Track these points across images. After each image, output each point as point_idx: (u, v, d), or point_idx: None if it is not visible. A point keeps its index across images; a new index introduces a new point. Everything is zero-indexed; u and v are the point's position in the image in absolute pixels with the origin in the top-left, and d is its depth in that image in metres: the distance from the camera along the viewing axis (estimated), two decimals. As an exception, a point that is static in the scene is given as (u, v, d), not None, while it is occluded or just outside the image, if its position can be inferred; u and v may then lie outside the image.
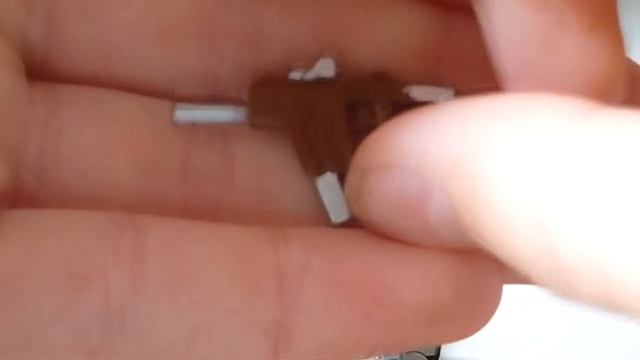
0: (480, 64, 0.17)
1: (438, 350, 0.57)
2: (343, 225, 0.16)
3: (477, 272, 0.16)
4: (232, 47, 0.17)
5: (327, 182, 0.17)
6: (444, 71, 0.17)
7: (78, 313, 0.15)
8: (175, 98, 0.17)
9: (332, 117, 0.17)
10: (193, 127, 0.17)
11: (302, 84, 0.17)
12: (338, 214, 0.16)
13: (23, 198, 0.16)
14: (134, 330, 0.15)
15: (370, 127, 0.16)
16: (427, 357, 0.57)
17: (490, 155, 0.12)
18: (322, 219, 0.17)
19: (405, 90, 0.17)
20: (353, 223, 0.16)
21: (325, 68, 0.17)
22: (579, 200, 0.11)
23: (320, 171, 0.17)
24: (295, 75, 0.17)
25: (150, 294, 0.15)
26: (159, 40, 0.17)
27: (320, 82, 0.17)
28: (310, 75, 0.17)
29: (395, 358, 0.55)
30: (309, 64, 0.17)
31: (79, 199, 0.16)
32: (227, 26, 0.17)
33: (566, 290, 0.12)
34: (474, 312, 0.16)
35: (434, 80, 0.17)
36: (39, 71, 0.17)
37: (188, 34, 0.17)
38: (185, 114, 0.17)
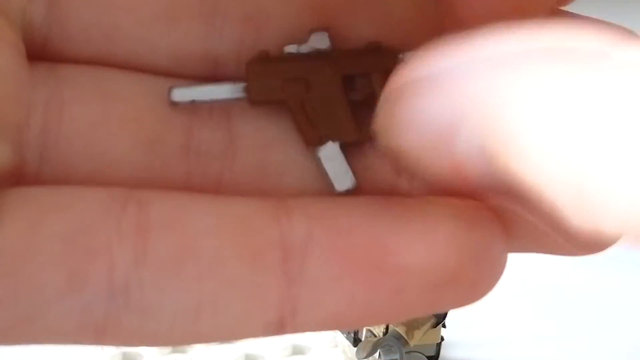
0: None
1: (438, 350, 0.57)
2: (347, 193, 0.17)
3: (482, 238, 0.16)
4: (233, 27, 0.17)
5: (329, 152, 0.17)
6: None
7: (82, 289, 0.15)
8: (176, 77, 0.17)
9: (329, 88, 0.17)
10: (193, 105, 0.17)
11: (298, 57, 0.17)
12: (342, 182, 0.17)
13: (25, 177, 0.16)
14: (138, 304, 0.15)
15: (368, 98, 0.17)
16: (427, 357, 0.57)
17: (520, 97, 0.12)
18: (325, 191, 0.17)
19: (400, 57, 0.17)
20: (357, 191, 0.17)
21: (319, 41, 0.17)
22: (601, 136, 0.12)
23: (321, 141, 0.17)
24: (291, 49, 0.17)
25: (154, 268, 0.15)
26: (159, 20, 0.17)
27: (316, 54, 0.17)
28: (305, 48, 0.17)
29: (395, 357, 0.55)
30: (304, 38, 0.17)
31: (82, 176, 0.16)
32: (227, 6, 0.17)
33: (591, 221, 0.12)
34: (478, 278, 0.16)
35: None
36: (40, 52, 0.17)
37: (188, 14, 0.17)
38: (183, 93, 0.17)
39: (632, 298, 0.63)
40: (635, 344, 0.57)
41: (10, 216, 0.15)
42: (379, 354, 0.55)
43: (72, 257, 0.15)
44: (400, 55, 0.17)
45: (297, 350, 0.59)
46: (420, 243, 0.15)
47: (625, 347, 0.57)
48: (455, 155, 0.14)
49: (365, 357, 0.54)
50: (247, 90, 0.17)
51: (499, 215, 0.16)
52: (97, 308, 0.15)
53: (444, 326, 0.56)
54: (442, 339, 0.57)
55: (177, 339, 0.15)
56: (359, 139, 0.17)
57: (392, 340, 0.55)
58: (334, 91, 0.17)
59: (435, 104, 0.14)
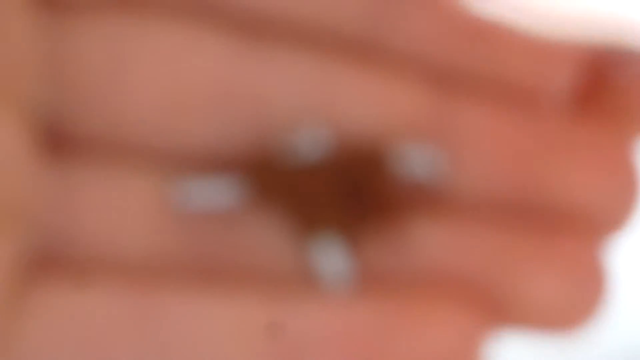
0: (476, 140, 0.18)
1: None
2: (343, 285, 0.18)
3: (463, 333, 0.17)
4: (237, 117, 0.18)
5: (323, 248, 0.18)
6: (439, 144, 0.18)
7: None
8: (180, 161, 0.18)
9: (326, 190, 0.18)
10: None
11: (299, 164, 0.18)
12: (334, 277, 0.18)
13: (41, 264, 0.17)
14: None
15: (364, 196, 0.18)
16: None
17: None
18: (319, 282, 0.18)
19: (392, 159, 0.18)
20: (349, 284, 0.18)
21: (318, 139, 0.18)
22: None
23: (316, 238, 0.18)
24: (290, 154, 0.18)
25: None
26: (165, 115, 0.18)
27: (315, 164, 0.18)
28: (305, 152, 0.18)
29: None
30: (302, 136, 0.18)
31: (90, 266, 0.18)
32: (233, 98, 0.18)
33: None
34: None
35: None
36: (53, 136, 0.18)
37: (193, 109, 0.18)
38: (186, 192, 0.18)
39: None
40: (636, 342, 0.58)
41: (34, 320, 0.16)
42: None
43: None
44: (393, 155, 0.18)
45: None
46: (406, 343, 0.17)
47: (627, 346, 0.58)
48: None
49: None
50: (249, 190, 0.18)
51: (479, 305, 0.18)
52: None
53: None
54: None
55: None
56: (352, 236, 0.18)
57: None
58: (329, 192, 0.18)
59: None
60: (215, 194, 0.18)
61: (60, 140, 0.18)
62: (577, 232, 0.18)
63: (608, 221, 0.18)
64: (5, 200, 0.16)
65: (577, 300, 0.18)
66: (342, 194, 0.18)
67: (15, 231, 0.16)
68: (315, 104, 0.18)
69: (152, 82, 0.18)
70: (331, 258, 0.18)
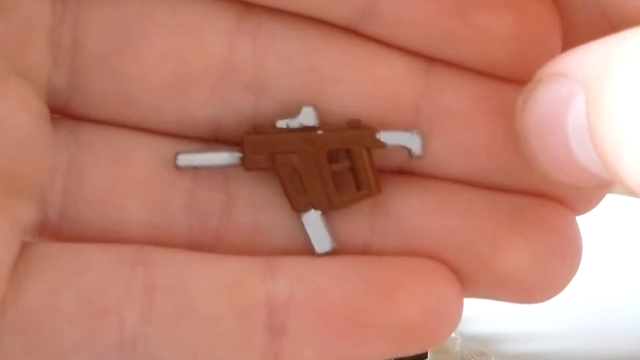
0: (457, 115, 0.19)
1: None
2: (327, 254, 0.19)
3: (440, 296, 0.18)
4: (234, 97, 0.19)
5: (311, 218, 0.19)
6: (422, 122, 0.19)
7: (96, 343, 0.17)
8: (182, 138, 0.19)
9: (314, 161, 0.19)
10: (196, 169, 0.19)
11: (288, 132, 0.19)
12: (322, 245, 0.19)
13: (47, 231, 0.19)
14: (143, 357, 0.17)
15: (349, 169, 0.19)
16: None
17: (616, 70, 0.14)
18: (308, 249, 0.19)
19: (377, 136, 0.19)
20: (335, 251, 0.19)
21: (307, 116, 0.19)
22: None
23: (305, 208, 0.19)
24: (282, 124, 0.19)
25: (157, 325, 0.18)
26: (169, 89, 0.19)
27: (303, 130, 0.19)
28: (295, 123, 0.19)
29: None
30: (295, 110, 0.19)
31: (96, 233, 0.19)
32: (230, 79, 0.19)
33: None
34: (437, 329, 0.18)
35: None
36: (61, 112, 0.19)
37: (195, 85, 0.19)
38: (187, 159, 0.19)
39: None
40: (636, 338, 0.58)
41: (35, 276, 0.17)
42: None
43: (88, 315, 0.17)
44: (378, 135, 0.19)
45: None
46: (386, 303, 0.18)
47: (628, 343, 0.58)
48: (566, 131, 0.15)
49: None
50: (242, 159, 0.19)
51: (455, 271, 0.19)
52: (107, 359, 0.17)
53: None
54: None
55: None
56: (338, 208, 0.19)
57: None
58: (318, 164, 0.19)
59: (563, 80, 0.15)
60: (215, 165, 0.19)
61: (67, 112, 0.19)
62: (552, 202, 0.19)
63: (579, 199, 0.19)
64: (13, 168, 0.17)
65: (550, 270, 0.19)
66: (329, 170, 0.19)
67: (21, 198, 0.17)
68: (306, 82, 0.19)
69: (158, 57, 0.18)
70: (317, 225, 0.19)
